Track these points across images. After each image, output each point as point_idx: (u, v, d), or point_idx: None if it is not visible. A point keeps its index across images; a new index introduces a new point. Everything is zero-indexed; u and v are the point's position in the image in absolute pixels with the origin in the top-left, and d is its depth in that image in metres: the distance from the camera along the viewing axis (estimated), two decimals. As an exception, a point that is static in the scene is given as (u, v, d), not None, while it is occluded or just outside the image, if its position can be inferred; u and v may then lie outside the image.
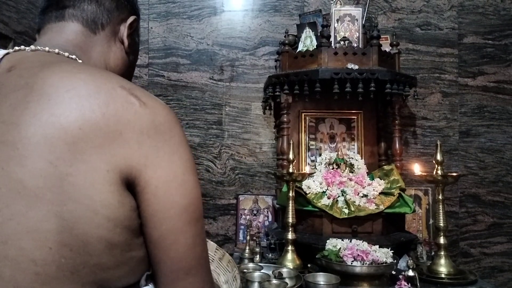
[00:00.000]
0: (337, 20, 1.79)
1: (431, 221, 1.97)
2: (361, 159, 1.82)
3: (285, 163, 1.73)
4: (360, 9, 1.83)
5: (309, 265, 1.48)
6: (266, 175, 2.11)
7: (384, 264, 1.35)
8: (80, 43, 0.68)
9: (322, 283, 1.33)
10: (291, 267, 1.44)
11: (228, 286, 0.85)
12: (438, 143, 1.49)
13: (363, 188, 1.63)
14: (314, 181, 1.66)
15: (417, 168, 1.58)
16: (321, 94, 1.67)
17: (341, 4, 1.87)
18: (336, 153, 1.80)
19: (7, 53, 0.61)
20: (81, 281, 0.51)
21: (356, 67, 1.64)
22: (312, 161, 1.90)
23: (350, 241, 1.43)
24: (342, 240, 1.45)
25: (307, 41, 1.81)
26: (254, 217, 2.03)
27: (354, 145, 1.92)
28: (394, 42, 1.87)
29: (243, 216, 2.03)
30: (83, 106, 0.52)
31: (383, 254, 1.37)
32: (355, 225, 1.56)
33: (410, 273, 1.35)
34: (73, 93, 0.53)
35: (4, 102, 0.53)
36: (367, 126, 1.92)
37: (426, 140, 2.14)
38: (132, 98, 0.55)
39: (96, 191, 0.51)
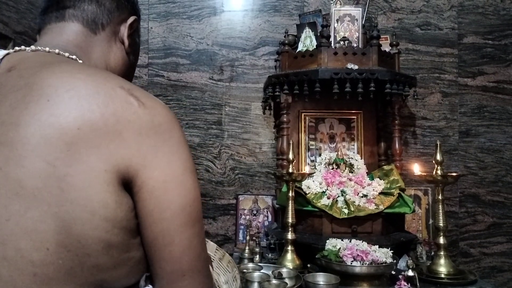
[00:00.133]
0: (337, 20, 1.79)
1: (430, 221, 1.97)
2: (361, 159, 1.82)
3: (285, 163, 1.73)
4: (360, 9, 1.83)
5: (308, 265, 1.48)
6: (266, 175, 2.11)
7: (383, 264, 1.35)
8: (81, 43, 0.68)
9: (322, 283, 1.33)
10: (291, 267, 1.44)
11: (228, 286, 0.85)
12: (438, 143, 1.49)
13: (363, 188, 1.63)
14: (314, 181, 1.66)
15: (416, 168, 1.58)
16: (321, 94, 1.67)
17: (341, 4, 1.87)
18: (336, 153, 1.80)
19: (8, 53, 0.61)
20: (79, 282, 0.51)
21: (356, 67, 1.64)
22: (312, 161, 1.90)
23: (350, 241, 1.43)
24: (342, 240, 1.45)
25: (307, 41, 1.81)
26: (254, 217, 2.03)
27: (354, 145, 1.92)
28: (394, 42, 1.87)
29: (243, 216, 2.03)
30: (83, 106, 0.52)
31: (383, 254, 1.37)
32: (355, 225, 1.56)
33: (410, 273, 1.35)
34: (72, 93, 0.53)
35: (4, 102, 0.54)
36: (366, 126, 1.92)
37: (426, 140, 2.14)
38: (131, 99, 0.55)
39: (94, 191, 0.51)
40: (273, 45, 2.12)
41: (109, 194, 0.51)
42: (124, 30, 0.74)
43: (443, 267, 1.43)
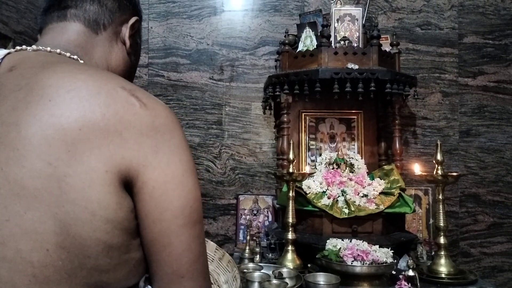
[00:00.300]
0: (337, 20, 1.79)
1: (431, 221, 1.97)
2: (361, 159, 1.82)
3: (285, 163, 1.73)
4: (360, 9, 1.83)
5: (309, 265, 1.48)
6: (266, 175, 2.11)
7: (384, 264, 1.35)
8: (82, 43, 0.68)
9: (322, 283, 1.33)
10: (291, 267, 1.44)
11: (228, 286, 0.85)
12: (438, 143, 1.49)
13: (363, 188, 1.63)
14: (314, 181, 1.66)
15: (417, 168, 1.58)
16: (321, 94, 1.67)
17: (341, 4, 1.87)
18: (336, 153, 1.80)
19: (9, 53, 0.61)
20: (79, 283, 0.51)
21: (356, 67, 1.64)
22: (312, 161, 1.90)
23: (350, 241, 1.43)
24: (342, 240, 1.45)
25: (307, 41, 1.81)
26: (254, 217, 2.03)
27: (354, 145, 1.92)
28: (394, 42, 1.87)
29: (243, 216, 2.03)
30: (84, 106, 0.52)
31: (383, 254, 1.37)
32: (355, 225, 1.56)
33: (410, 273, 1.35)
34: (73, 93, 0.53)
35: (5, 102, 0.53)
36: (367, 126, 1.92)
37: (426, 140, 2.14)
38: (132, 99, 0.55)
39: (95, 192, 0.50)
40: (273, 45, 2.12)
41: (109, 195, 0.51)
42: (125, 31, 0.73)
43: (443, 267, 1.43)
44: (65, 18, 0.68)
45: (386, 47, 1.84)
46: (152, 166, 0.54)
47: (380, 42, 1.73)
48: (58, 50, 0.63)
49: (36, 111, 0.52)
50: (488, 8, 2.16)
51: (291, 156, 1.56)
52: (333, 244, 1.43)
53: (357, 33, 1.79)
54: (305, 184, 1.65)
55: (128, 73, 0.77)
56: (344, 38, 1.75)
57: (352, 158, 1.78)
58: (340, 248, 1.40)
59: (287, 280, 1.30)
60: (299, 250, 1.52)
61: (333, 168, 1.74)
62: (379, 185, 1.64)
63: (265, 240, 1.85)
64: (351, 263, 1.35)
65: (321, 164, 1.78)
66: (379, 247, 1.41)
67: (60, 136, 0.50)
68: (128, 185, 0.54)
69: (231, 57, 2.16)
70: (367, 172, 1.74)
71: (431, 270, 1.45)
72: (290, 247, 1.51)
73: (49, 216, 0.49)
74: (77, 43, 0.67)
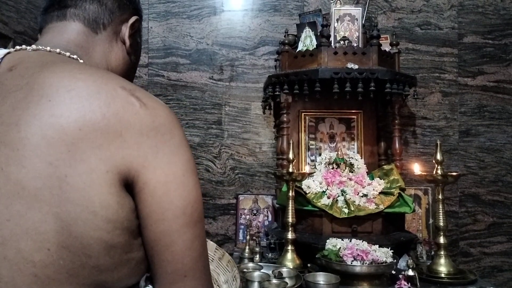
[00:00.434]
0: (337, 20, 1.79)
1: (431, 221, 1.97)
2: (361, 158, 1.82)
3: (285, 163, 1.73)
4: (360, 8, 1.83)
5: (309, 265, 1.48)
6: (266, 174, 2.11)
7: (384, 264, 1.35)
8: (82, 43, 0.68)
9: (322, 282, 1.33)
10: (291, 267, 1.44)
11: (228, 286, 0.84)
12: (438, 142, 1.49)
13: (363, 187, 1.63)
14: (314, 180, 1.66)
15: (417, 168, 1.58)
16: (321, 93, 1.67)
17: (341, 3, 1.87)
18: (336, 152, 1.80)
19: (8, 53, 0.61)
20: (80, 283, 0.51)
21: (356, 66, 1.64)
22: (312, 160, 1.90)
23: (350, 241, 1.43)
24: (342, 239, 1.45)
25: (307, 40, 1.81)
26: (254, 216, 2.03)
27: (354, 144, 1.92)
28: (394, 42, 1.87)
29: (243, 216, 2.03)
30: (84, 106, 0.52)
31: (383, 254, 1.37)
32: (355, 225, 1.56)
33: (410, 272, 1.35)
34: (73, 93, 0.53)
35: (4, 102, 0.53)
36: (367, 126, 1.92)
37: (426, 140, 2.14)
38: (132, 99, 0.55)
39: (95, 192, 0.50)
40: (273, 44, 2.12)
41: (110, 195, 0.51)
42: (125, 30, 0.73)
43: (443, 267, 1.43)
44: (65, 17, 0.68)
45: (386, 47, 1.84)
46: (153, 166, 0.54)
47: (380, 42, 1.74)
48: (58, 50, 0.63)
49: (36, 111, 0.52)
50: (488, 8, 2.16)
51: (290, 156, 1.56)
52: (333, 243, 1.43)
53: (357, 33, 1.79)
54: (305, 183, 1.65)
55: (128, 72, 0.77)
56: (344, 38, 1.75)
57: (352, 158, 1.78)
58: (340, 247, 1.41)
59: (287, 280, 1.30)
60: (298, 250, 1.52)
61: (332, 168, 1.74)
62: (378, 185, 1.64)
63: (264, 240, 1.85)
64: (351, 263, 1.35)
65: (321, 164, 1.79)
66: (379, 247, 1.41)
67: (60, 136, 0.50)
68: (129, 185, 0.54)
69: (231, 57, 2.16)
70: (366, 172, 1.74)
71: (430, 270, 1.45)
72: (290, 247, 1.52)
73: (50, 216, 0.49)
74: (76, 42, 0.67)
